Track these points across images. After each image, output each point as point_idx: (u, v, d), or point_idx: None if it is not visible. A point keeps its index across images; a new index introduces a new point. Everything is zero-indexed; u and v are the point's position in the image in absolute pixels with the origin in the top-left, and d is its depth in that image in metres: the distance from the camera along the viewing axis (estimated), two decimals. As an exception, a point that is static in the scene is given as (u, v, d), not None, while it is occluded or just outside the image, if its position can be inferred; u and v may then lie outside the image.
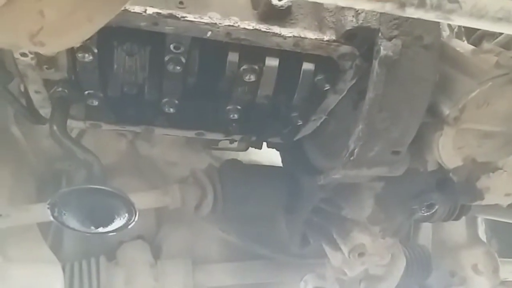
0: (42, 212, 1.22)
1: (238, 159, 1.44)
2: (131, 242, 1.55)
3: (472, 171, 1.09)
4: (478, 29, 1.64)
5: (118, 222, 0.90)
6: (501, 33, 1.52)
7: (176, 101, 1.07)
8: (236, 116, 1.13)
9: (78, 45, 0.59)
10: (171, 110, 1.08)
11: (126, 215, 0.88)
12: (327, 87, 1.04)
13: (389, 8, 0.56)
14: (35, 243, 1.29)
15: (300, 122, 1.19)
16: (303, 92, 1.07)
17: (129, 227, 0.92)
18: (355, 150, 0.99)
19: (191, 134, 1.22)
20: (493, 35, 1.62)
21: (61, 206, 0.84)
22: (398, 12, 0.57)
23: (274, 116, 1.19)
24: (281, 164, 1.47)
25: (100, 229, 0.89)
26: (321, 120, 1.20)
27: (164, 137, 1.73)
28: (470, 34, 1.62)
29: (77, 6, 0.55)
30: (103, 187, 0.83)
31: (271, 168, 1.41)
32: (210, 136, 1.24)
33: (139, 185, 1.59)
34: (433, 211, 1.16)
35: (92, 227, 0.88)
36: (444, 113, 0.98)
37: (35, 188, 1.48)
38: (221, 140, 1.49)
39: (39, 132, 1.62)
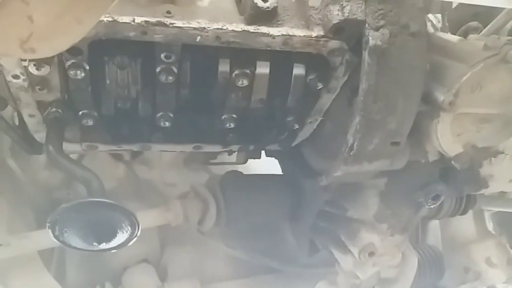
0: (42, 239, 1.20)
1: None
2: (136, 266, 1.52)
3: (474, 157, 1.09)
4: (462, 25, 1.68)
5: (121, 237, 0.88)
6: (485, 27, 1.56)
7: (171, 115, 1.07)
8: (232, 125, 1.12)
9: (68, 47, 0.58)
10: (167, 124, 1.07)
11: (129, 228, 0.87)
12: (320, 86, 1.05)
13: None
14: (37, 272, 1.26)
15: (296, 126, 1.18)
16: (297, 93, 1.07)
17: (133, 241, 0.90)
18: (354, 144, 0.99)
19: (188, 148, 1.21)
20: (477, 30, 1.65)
21: (62, 224, 0.83)
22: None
23: (270, 122, 1.19)
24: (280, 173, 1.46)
25: (103, 245, 0.87)
26: (317, 122, 1.20)
27: (161, 159, 1.72)
28: (455, 30, 1.65)
29: (65, 9, 0.55)
30: (103, 200, 0.82)
31: (272, 176, 1.39)
32: (208, 148, 1.23)
33: (140, 208, 1.56)
34: (439, 202, 1.15)
35: (95, 243, 0.86)
36: (438, 99, 0.98)
37: (34, 218, 1.46)
38: (219, 152, 1.49)
39: (35, 164, 1.61)
